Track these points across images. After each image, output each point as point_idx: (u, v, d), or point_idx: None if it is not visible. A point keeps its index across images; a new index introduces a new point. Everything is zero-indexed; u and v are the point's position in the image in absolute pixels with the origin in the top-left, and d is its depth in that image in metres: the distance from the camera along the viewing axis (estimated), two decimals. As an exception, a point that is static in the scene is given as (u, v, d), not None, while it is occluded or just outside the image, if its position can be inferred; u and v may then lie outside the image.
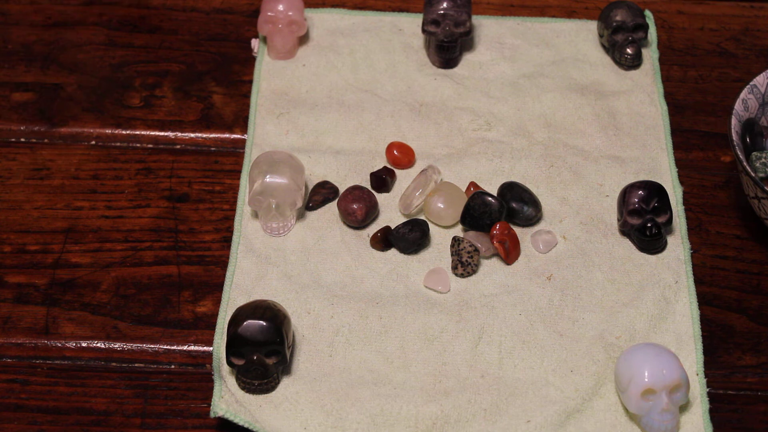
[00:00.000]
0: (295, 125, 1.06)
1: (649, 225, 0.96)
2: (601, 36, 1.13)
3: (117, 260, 0.97)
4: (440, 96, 1.09)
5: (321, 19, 1.16)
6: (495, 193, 0.99)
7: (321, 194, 1.00)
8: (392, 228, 0.97)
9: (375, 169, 1.03)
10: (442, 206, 0.98)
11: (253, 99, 1.08)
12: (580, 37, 1.15)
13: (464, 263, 0.95)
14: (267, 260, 0.96)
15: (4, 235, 0.98)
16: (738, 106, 0.98)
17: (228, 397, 0.87)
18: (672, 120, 1.08)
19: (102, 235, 0.98)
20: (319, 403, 0.87)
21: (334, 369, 0.89)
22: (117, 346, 0.92)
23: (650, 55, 1.13)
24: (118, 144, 1.06)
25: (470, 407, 0.87)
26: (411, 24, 1.15)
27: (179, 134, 1.07)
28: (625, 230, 0.98)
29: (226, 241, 0.98)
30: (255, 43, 1.13)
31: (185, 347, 0.92)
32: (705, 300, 0.95)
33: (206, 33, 1.15)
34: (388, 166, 1.03)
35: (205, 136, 1.07)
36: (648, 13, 1.16)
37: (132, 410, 0.88)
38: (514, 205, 0.98)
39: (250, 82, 1.11)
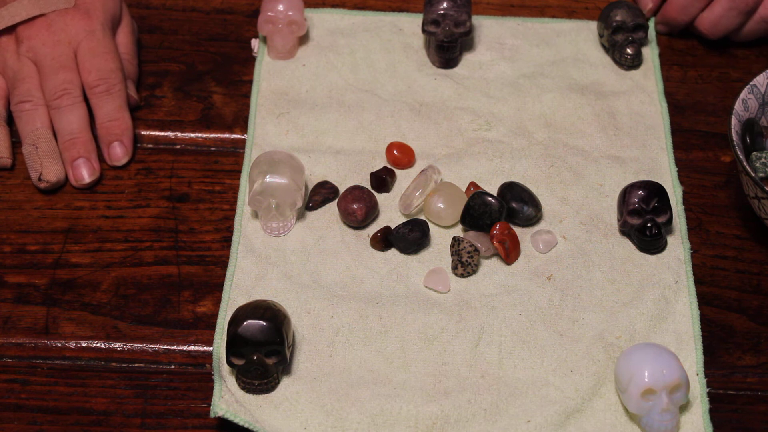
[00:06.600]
0: (295, 125, 1.06)
1: (649, 225, 0.96)
2: (601, 36, 1.13)
3: (117, 260, 0.97)
4: (440, 96, 1.09)
5: (321, 19, 1.16)
6: (495, 193, 0.99)
7: (321, 194, 1.00)
8: (392, 228, 0.97)
9: (375, 169, 1.03)
10: (442, 206, 0.98)
11: (253, 99, 1.08)
12: (580, 37, 1.15)
13: (464, 263, 0.95)
14: (267, 260, 0.96)
15: (4, 235, 0.98)
16: (738, 106, 0.98)
17: (228, 397, 0.87)
18: (672, 120, 1.08)
19: (102, 235, 0.98)
20: (319, 403, 0.87)
21: (334, 369, 0.89)
22: (117, 346, 0.92)
23: (650, 55, 1.13)
24: (118, 144, 1.06)
25: (470, 407, 0.87)
26: (411, 24, 1.15)
27: (179, 134, 1.07)
28: (625, 230, 0.98)
29: (226, 241, 0.98)
30: (255, 43, 1.13)
31: (185, 347, 0.92)
32: (705, 300, 0.95)
33: (206, 33, 1.15)
34: (388, 166, 1.03)
35: (205, 136, 1.07)
36: (648, 13, 1.16)
37: (132, 410, 0.88)
38: (514, 205, 0.98)
39: (250, 82, 1.11)
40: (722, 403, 0.89)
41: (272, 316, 0.86)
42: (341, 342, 0.91)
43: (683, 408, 0.87)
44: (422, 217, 0.99)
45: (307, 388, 0.88)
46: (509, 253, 0.95)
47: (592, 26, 1.16)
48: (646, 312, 0.93)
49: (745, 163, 0.93)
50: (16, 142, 1.05)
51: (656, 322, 0.92)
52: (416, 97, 1.09)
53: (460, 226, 0.99)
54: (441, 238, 0.98)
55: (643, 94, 1.10)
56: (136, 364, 0.91)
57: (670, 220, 0.97)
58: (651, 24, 1.15)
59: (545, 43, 1.14)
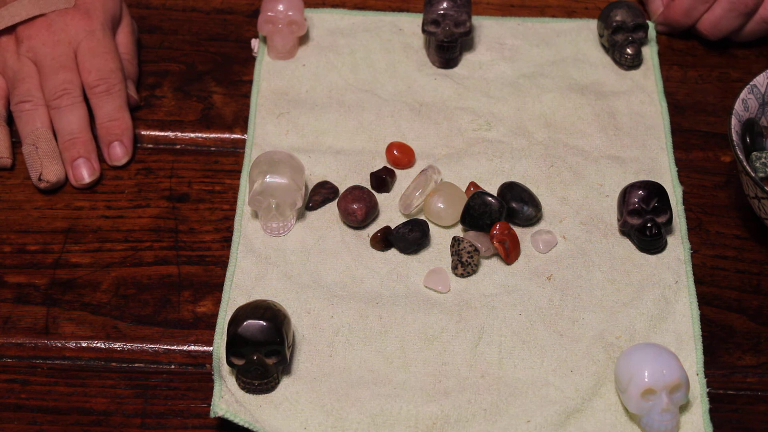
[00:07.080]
0: (295, 125, 1.06)
1: (649, 225, 0.96)
2: (601, 36, 1.13)
3: (117, 260, 0.97)
4: (440, 96, 1.09)
5: (321, 19, 1.16)
6: (495, 193, 0.99)
7: (321, 194, 1.00)
8: (392, 228, 0.97)
9: (375, 169, 1.03)
10: (442, 206, 0.98)
11: (253, 99, 1.08)
12: (581, 37, 1.15)
13: (464, 263, 0.95)
14: (267, 260, 0.96)
15: (4, 235, 0.98)
16: (738, 106, 0.98)
17: (228, 397, 0.87)
18: (672, 120, 1.08)
19: (102, 235, 0.98)
20: (319, 403, 0.87)
21: (334, 369, 0.89)
22: (117, 346, 0.92)
23: (650, 54, 1.13)
24: (118, 144, 1.06)
25: (470, 407, 0.87)
26: (411, 24, 1.15)
27: (179, 134, 1.07)
28: (625, 230, 0.98)
29: (226, 241, 0.98)
30: (255, 43, 1.13)
31: (185, 347, 0.92)
32: (705, 300, 0.95)
33: (206, 33, 1.15)
34: (388, 166, 1.03)
35: (205, 136, 1.07)
36: (648, 13, 1.16)
37: (132, 410, 0.88)
38: (514, 205, 0.98)
39: (250, 82, 1.11)
40: (722, 403, 0.89)
41: (272, 316, 0.86)
42: (341, 342, 0.91)
43: (683, 408, 0.87)
44: (422, 217, 0.99)
45: (307, 388, 0.88)
46: (509, 253, 0.95)
47: (592, 26, 1.16)
48: (646, 312, 0.93)
49: (745, 163, 0.93)
50: (16, 142, 1.05)
51: (656, 322, 0.92)
52: (416, 97, 1.09)
53: (460, 226, 0.99)
54: (441, 238, 0.98)
55: (643, 94, 1.10)
56: (136, 364, 0.91)
57: (670, 220, 0.97)
58: (651, 24, 1.15)
59: (545, 43, 1.14)
